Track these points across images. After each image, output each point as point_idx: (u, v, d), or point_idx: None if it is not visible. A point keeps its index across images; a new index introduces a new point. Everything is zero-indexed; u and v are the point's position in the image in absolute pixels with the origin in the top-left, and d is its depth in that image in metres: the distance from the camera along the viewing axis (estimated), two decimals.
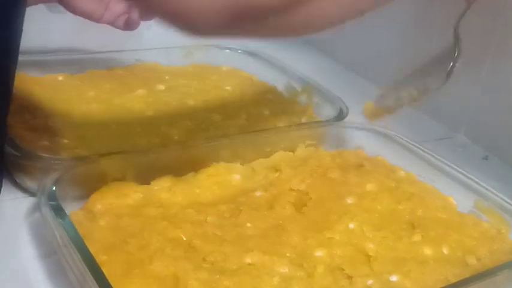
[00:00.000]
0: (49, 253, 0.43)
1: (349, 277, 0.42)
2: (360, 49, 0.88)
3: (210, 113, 0.62)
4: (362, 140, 0.59)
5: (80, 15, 0.62)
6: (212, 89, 0.69)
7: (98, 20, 0.62)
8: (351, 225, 0.47)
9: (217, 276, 0.40)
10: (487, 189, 0.51)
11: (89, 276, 0.36)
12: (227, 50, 0.78)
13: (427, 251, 0.46)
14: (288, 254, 0.43)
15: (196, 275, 0.39)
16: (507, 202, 0.50)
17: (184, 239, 0.43)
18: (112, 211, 0.45)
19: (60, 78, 0.67)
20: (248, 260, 0.42)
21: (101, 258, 0.39)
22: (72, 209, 0.44)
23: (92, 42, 0.74)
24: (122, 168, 0.48)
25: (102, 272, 0.36)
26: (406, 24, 0.80)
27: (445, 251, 0.46)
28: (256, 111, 0.65)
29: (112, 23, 0.63)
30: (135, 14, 0.63)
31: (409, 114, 0.76)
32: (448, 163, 0.54)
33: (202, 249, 0.42)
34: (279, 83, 0.72)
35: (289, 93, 0.70)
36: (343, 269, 0.43)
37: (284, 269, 0.42)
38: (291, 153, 0.56)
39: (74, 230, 0.39)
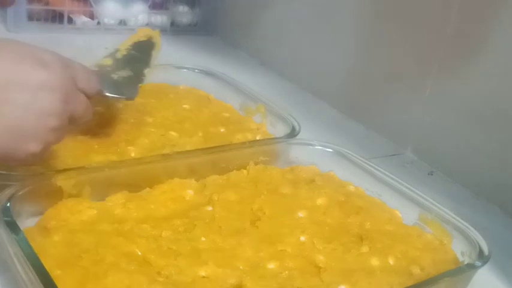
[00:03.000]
0: (3, 270, 0.43)
1: None
2: (312, 69, 0.91)
3: (168, 130, 0.63)
4: (314, 156, 0.61)
5: None
6: (170, 107, 0.70)
7: None
8: (302, 238, 0.49)
9: None
10: (430, 202, 0.54)
11: None
12: (184, 70, 0.79)
13: (374, 261, 0.47)
14: (241, 267, 0.44)
15: None
16: (449, 215, 0.52)
17: (139, 253, 0.44)
18: (66, 227, 0.45)
19: None
20: (202, 273, 0.43)
21: (55, 272, 0.39)
22: (26, 225, 0.45)
23: None
24: (78, 184, 0.49)
25: (57, 287, 0.36)
26: (357, 44, 0.84)
27: (391, 261, 0.48)
28: (212, 129, 0.66)
29: None
30: None
31: (360, 132, 0.80)
32: (395, 178, 0.57)
33: (156, 263, 0.43)
34: (235, 101, 0.73)
35: (244, 112, 0.72)
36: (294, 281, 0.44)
37: (237, 281, 0.43)
38: (244, 170, 0.57)
39: (27, 245, 0.39)
